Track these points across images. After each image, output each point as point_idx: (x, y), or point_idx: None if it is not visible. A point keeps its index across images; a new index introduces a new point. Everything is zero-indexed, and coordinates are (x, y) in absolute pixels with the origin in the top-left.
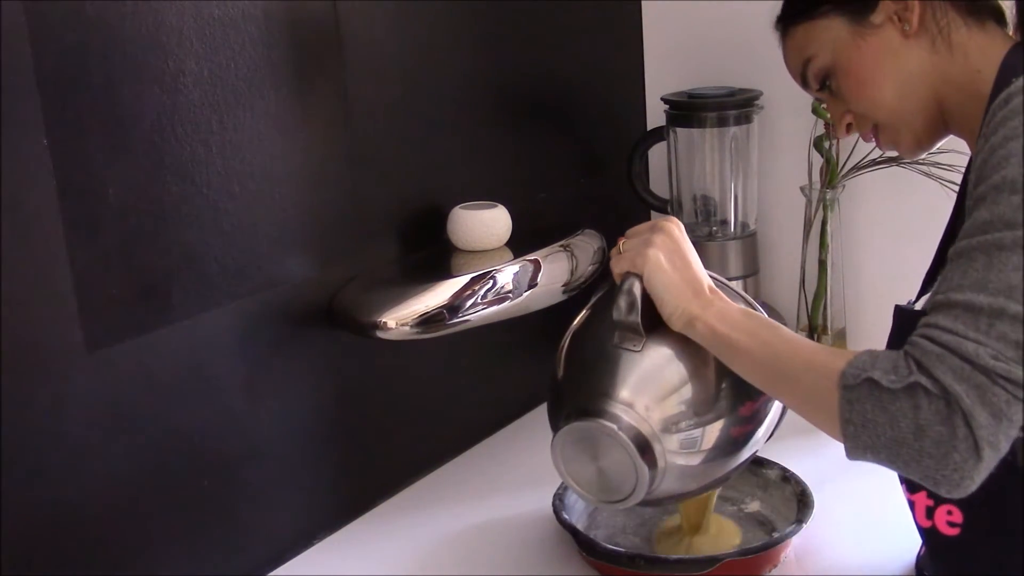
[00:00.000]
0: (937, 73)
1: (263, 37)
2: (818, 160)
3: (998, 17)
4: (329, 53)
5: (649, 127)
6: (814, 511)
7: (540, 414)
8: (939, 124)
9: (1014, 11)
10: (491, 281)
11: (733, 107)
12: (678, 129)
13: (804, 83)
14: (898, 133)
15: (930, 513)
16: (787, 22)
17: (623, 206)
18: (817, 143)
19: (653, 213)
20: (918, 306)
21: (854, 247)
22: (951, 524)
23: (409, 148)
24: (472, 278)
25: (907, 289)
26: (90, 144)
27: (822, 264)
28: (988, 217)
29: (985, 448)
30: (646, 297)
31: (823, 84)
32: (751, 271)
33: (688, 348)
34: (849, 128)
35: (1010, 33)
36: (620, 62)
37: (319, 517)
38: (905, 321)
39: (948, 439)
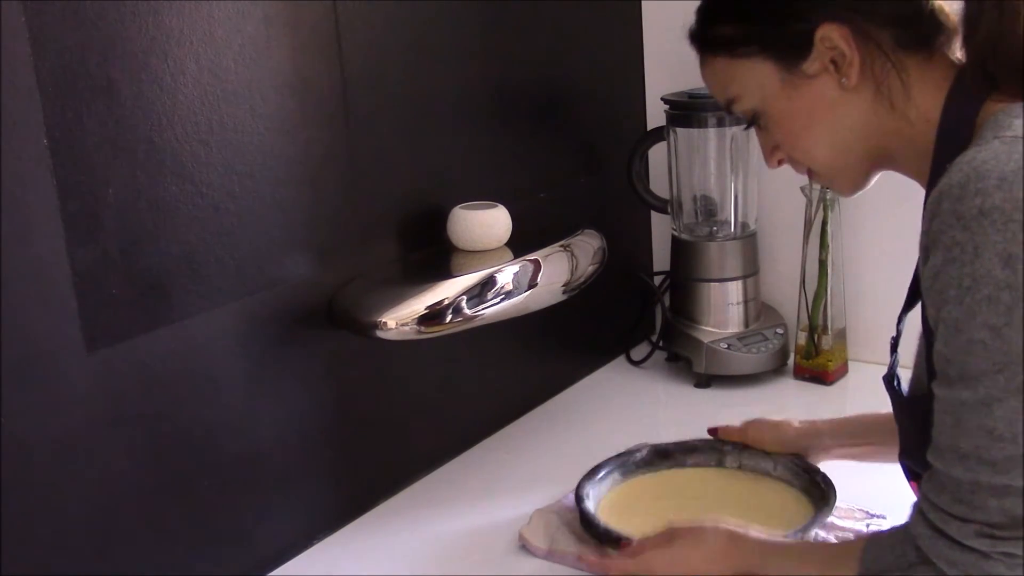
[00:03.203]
0: (880, 125)
1: (263, 37)
2: None
3: (940, 34)
4: (329, 53)
5: (649, 127)
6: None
7: (540, 414)
8: (881, 167)
9: (961, 15)
10: (491, 281)
11: None
12: (678, 129)
13: (729, 112)
14: (833, 181)
15: None
16: (703, 49)
17: (623, 206)
18: None
19: (653, 213)
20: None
21: (854, 247)
22: None
23: (409, 148)
24: (472, 278)
25: (906, 290)
26: (90, 144)
27: (822, 264)
28: (947, 355)
29: None
30: None
31: (752, 121)
32: (751, 271)
33: None
34: (780, 162)
35: (956, 54)
36: (620, 62)
37: (319, 517)
38: (896, 398)
39: None
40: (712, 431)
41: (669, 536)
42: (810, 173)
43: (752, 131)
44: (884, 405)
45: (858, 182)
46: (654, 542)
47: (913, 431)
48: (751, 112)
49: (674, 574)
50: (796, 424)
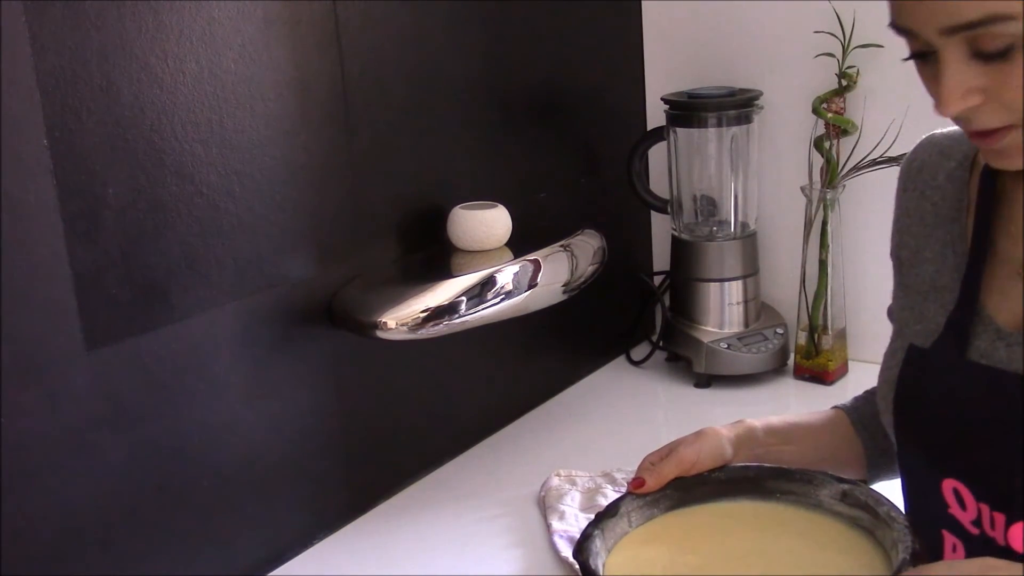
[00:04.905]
0: None
1: (263, 37)
2: (818, 160)
3: None
4: (329, 53)
5: (649, 127)
6: None
7: (540, 414)
8: None
9: None
10: (491, 281)
11: (733, 107)
12: (678, 129)
13: (949, 33)
14: None
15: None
16: None
17: (623, 206)
18: (817, 143)
19: (653, 214)
20: None
21: (854, 247)
22: None
23: (409, 148)
24: (472, 278)
25: None
26: (90, 144)
27: (822, 264)
28: None
29: None
30: None
31: (994, 53)
32: (751, 271)
33: None
34: (965, 116)
35: None
36: (620, 62)
37: (319, 517)
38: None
39: None
40: (637, 485)
41: None
42: (1005, 131)
43: (751, 130)
44: None
45: None
46: None
47: None
48: (1015, 38)
49: None
50: (723, 429)
